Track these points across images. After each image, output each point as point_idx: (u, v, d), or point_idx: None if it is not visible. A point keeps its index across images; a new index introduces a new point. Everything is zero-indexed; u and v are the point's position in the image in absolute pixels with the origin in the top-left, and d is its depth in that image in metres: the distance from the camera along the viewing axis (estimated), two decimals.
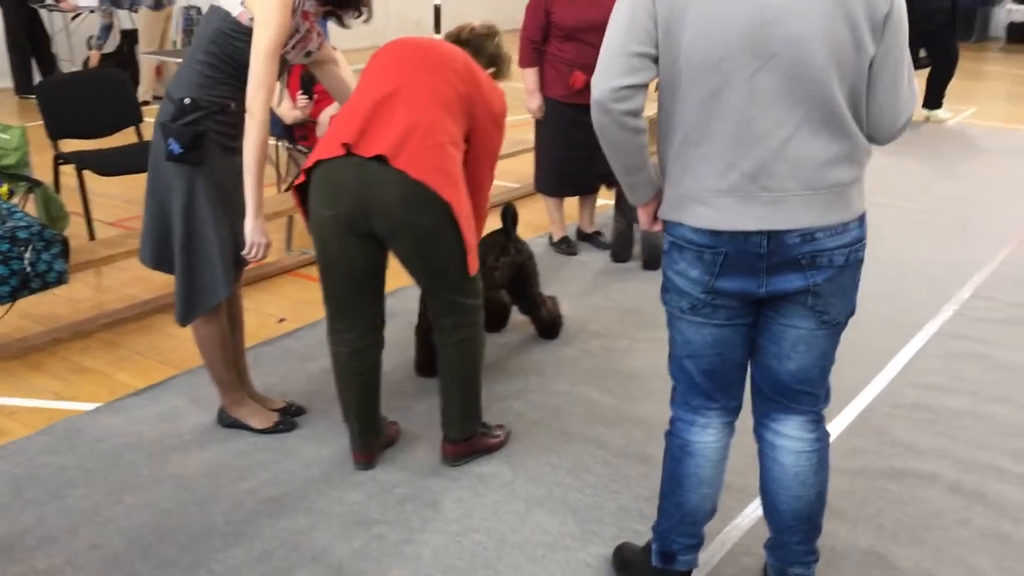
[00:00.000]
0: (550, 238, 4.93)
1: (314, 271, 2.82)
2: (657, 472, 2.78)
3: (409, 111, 2.53)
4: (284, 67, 2.87)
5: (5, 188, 3.91)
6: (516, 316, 3.87)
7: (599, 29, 4.40)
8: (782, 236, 1.82)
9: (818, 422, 2.05)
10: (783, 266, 1.85)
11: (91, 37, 8.47)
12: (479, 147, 2.73)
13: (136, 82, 8.40)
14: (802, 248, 1.83)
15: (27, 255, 3.44)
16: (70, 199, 4.38)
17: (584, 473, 2.84)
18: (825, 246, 1.83)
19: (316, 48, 2.97)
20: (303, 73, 4.68)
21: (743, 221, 1.82)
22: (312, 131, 4.90)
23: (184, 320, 2.90)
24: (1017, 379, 3.43)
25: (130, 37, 8.84)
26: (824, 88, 1.74)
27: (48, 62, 8.99)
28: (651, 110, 2.01)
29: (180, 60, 7.98)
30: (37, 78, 8.59)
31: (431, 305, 2.79)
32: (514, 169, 6.02)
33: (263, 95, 2.68)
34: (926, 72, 7.93)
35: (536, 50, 4.51)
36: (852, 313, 1.96)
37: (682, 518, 2.12)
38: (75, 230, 4.19)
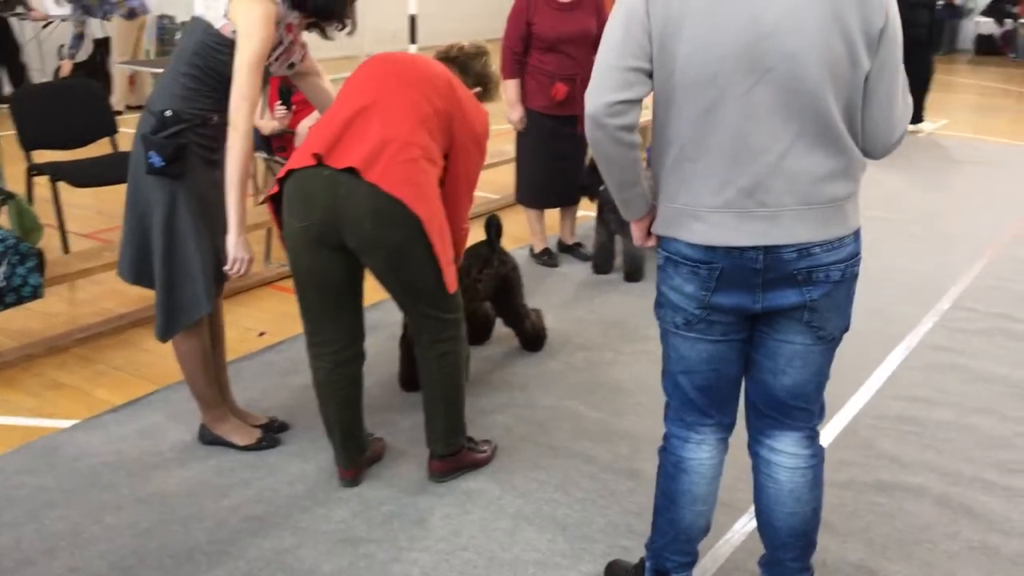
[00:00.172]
0: (531, 250, 4.92)
1: (291, 283, 2.78)
2: (645, 487, 2.79)
3: (384, 125, 2.50)
4: (267, 79, 2.84)
5: None
6: (500, 329, 3.84)
7: (580, 41, 4.50)
8: (778, 251, 1.81)
9: (813, 438, 2.04)
10: (779, 281, 1.84)
11: (62, 46, 8.36)
12: (457, 166, 2.70)
13: (108, 92, 8.32)
14: (798, 263, 1.82)
15: (2, 269, 3.37)
16: (43, 211, 4.30)
17: (572, 489, 2.81)
18: (821, 261, 1.82)
19: (299, 60, 2.94)
20: (281, 84, 4.64)
21: (739, 236, 1.81)
22: (290, 142, 4.86)
23: (165, 335, 2.85)
24: (997, 390, 3.45)
25: (102, 46, 8.74)
26: (820, 102, 1.73)
27: (18, 72, 8.86)
28: (644, 115, 1.99)
29: (154, 70, 7.92)
30: (7, 88, 8.49)
31: (409, 320, 2.76)
32: (495, 180, 6.00)
33: (246, 108, 2.64)
34: None
35: (517, 61, 4.50)
36: (847, 328, 1.95)
37: (676, 535, 2.10)
38: (48, 242, 4.11)
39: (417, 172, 2.50)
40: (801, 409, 2.00)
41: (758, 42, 1.70)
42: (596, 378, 3.56)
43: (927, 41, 7.97)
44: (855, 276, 1.90)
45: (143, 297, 3.85)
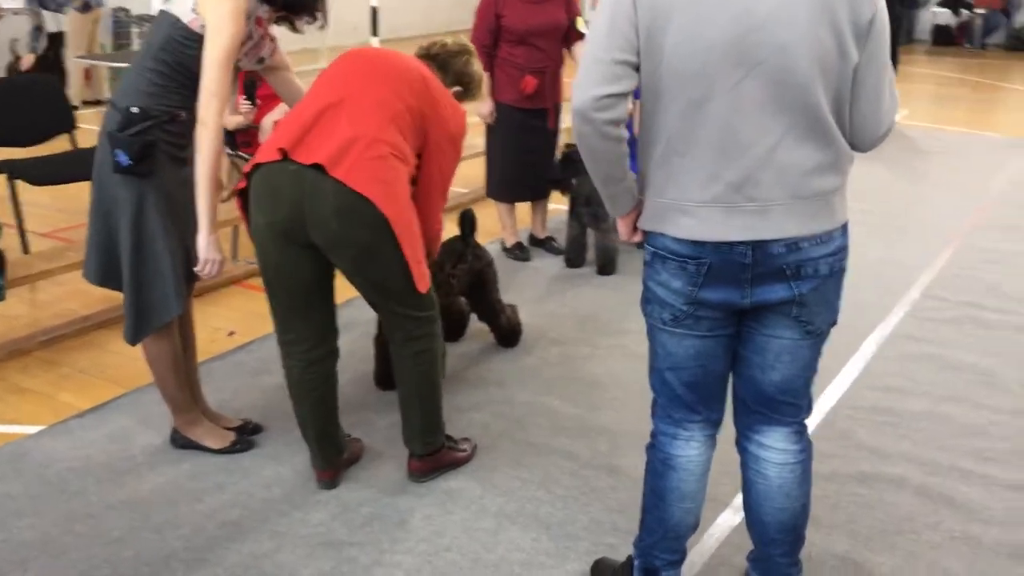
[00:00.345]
0: (502, 244, 4.88)
1: (260, 281, 2.73)
2: (626, 484, 2.78)
3: (353, 122, 2.45)
4: (236, 75, 2.77)
5: None
6: (474, 324, 3.81)
7: (550, 33, 4.46)
8: (767, 246, 1.79)
9: (802, 433, 2.03)
10: (768, 276, 1.82)
11: (15, 40, 8.16)
12: (431, 164, 2.64)
13: (64, 87, 8.13)
14: (787, 258, 1.80)
15: None
16: (1, 210, 4.19)
17: (553, 486, 2.79)
18: (810, 255, 1.81)
19: (269, 54, 2.88)
20: (246, 78, 4.55)
21: (728, 231, 1.79)
22: (255, 137, 4.78)
23: (134, 338, 2.77)
24: (968, 379, 3.48)
25: (57, 40, 8.54)
26: (809, 95, 1.72)
27: None
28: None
29: (111, 64, 7.73)
30: None
31: (382, 319, 2.71)
32: (465, 174, 5.92)
33: (216, 105, 2.58)
34: None
35: (487, 55, 4.45)
36: (835, 323, 1.95)
37: (665, 533, 2.08)
38: (7, 242, 4.00)
39: (386, 170, 2.45)
40: (790, 404, 1.99)
41: (748, 34, 1.68)
42: (572, 373, 3.53)
43: (894, 32, 8.05)
44: (843, 270, 1.89)
45: (107, 297, 3.76)
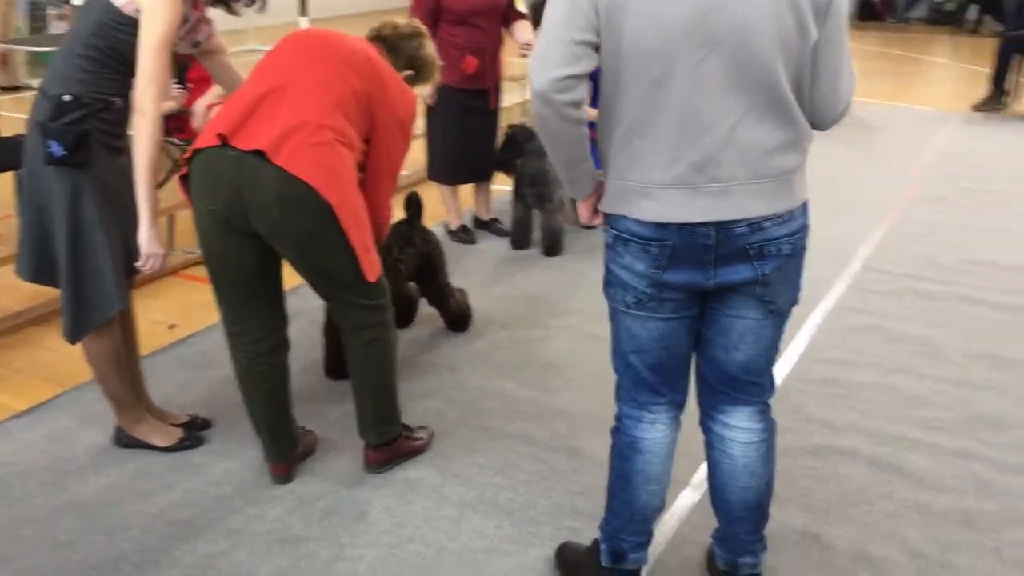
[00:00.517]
0: (446, 227, 4.83)
1: (202, 271, 2.65)
2: (587, 466, 2.77)
3: (295, 107, 2.37)
4: (174, 60, 2.67)
5: None
6: (423, 309, 3.76)
7: (490, 13, 4.41)
8: (730, 227, 1.78)
9: (765, 412, 2.04)
10: (731, 257, 1.81)
11: None
12: (379, 149, 2.57)
13: None
14: (750, 238, 1.80)
15: None
16: None
17: (513, 471, 2.77)
18: (772, 235, 1.81)
19: (205, 38, 2.77)
20: (177, 61, 4.41)
21: (690, 213, 1.78)
22: (187, 122, 4.62)
23: (74, 337, 2.67)
24: (911, 350, 3.55)
25: None
26: (770, 74, 1.71)
27: None
28: None
29: (28, 48, 7.43)
30: None
31: (332, 309, 2.65)
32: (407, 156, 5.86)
33: (153, 92, 2.48)
34: None
35: None
36: (796, 302, 1.95)
37: (632, 516, 2.08)
38: None
39: (330, 156, 2.37)
40: (753, 384, 1.99)
41: (708, 13, 1.66)
42: (524, 356, 3.51)
43: None
44: (804, 249, 1.89)
45: (40, 292, 3.62)
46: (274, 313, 2.60)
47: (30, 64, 7.98)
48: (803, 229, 1.87)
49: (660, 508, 2.11)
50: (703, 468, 2.71)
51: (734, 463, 2.03)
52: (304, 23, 8.31)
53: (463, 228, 4.82)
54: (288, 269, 2.56)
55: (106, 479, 2.74)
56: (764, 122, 1.74)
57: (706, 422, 2.07)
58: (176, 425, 2.98)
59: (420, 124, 4.78)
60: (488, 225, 4.93)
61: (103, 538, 2.48)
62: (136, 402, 2.89)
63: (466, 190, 4.89)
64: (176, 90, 4.53)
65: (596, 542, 2.22)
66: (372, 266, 2.50)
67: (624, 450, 2.05)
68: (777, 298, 1.89)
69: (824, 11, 1.73)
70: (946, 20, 14.63)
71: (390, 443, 2.76)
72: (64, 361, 3.41)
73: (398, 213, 3.32)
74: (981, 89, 8.34)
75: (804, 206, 1.87)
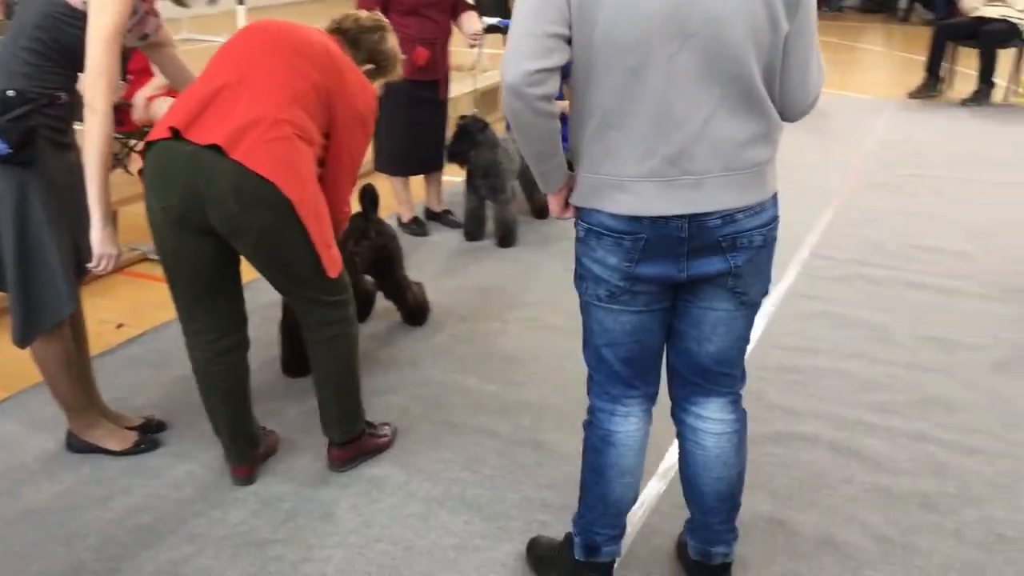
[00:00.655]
0: (398, 219, 4.78)
1: (148, 268, 2.58)
2: (553, 459, 2.77)
3: (253, 102, 2.31)
4: (122, 53, 2.59)
5: None
6: (380, 304, 3.72)
7: (441, 3, 4.37)
8: (703, 219, 1.79)
9: (737, 402, 2.05)
10: (704, 249, 1.82)
11: None
12: (339, 145, 2.51)
13: None
14: (723, 230, 1.80)
15: None
16: None
17: (479, 466, 2.75)
18: (744, 227, 1.82)
19: (153, 31, 2.70)
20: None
21: (664, 206, 1.77)
22: (127, 115, 4.51)
23: (24, 341, 2.58)
24: (863, 334, 3.62)
25: None
26: (742, 67, 1.71)
27: None
28: None
29: None
30: None
31: (293, 306, 2.60)
32: None
33: (104, 86, 2.40)
34: None
35: None
36: (767, 292, 1.97)
37: (606, 509, 2.08)
38: None
39: (289, 151, 2.32)
40: (725, 375, 2.00)
41: (681, 6, 1.66)
42: (485, 349, 3.50)
43: None
44: (775, 240, 1.91)
45: None
46: (232, 311, 2.54)
47: None
48: (774, 220, 1.88)
49: (634, 500, 2.12)
50: (669, 457, 2.74)
51: (707, 454, 2.04)
52: (241, 12, 8.15)
53: (415, 220, 4.78)
54: (243, 264, 2.51)
55: (60, 485, 2.66)
56: (736, 115, 1.74)
57: (678, 414, 2.08)
58: (130, 428, 2.90)
59: None
60: (440, 217, 4.90)
61: (61, 547, 2.41)
62: (88, 405, 2.81)
63: (416, 182, 4.85)
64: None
65: (569, 536, 2.22)
66: (333, 262, 2.46)
67: (597, 443, 2.05)
68: (749, 289, 1.90)
69: (795, 4, 1.73)
70: (878, 8, 14.92)
71: (354, 440, 2.73)
72: (7, 364, 3.30)
73: (354, 206, 3.27)
74: (915, 76, 8.52)
75: (775, 197, 1.88)
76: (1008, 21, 7.71)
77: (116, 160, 4.88)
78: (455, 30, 4.54)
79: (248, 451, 2.67)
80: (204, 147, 2.24)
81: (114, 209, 4.25)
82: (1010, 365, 3.35)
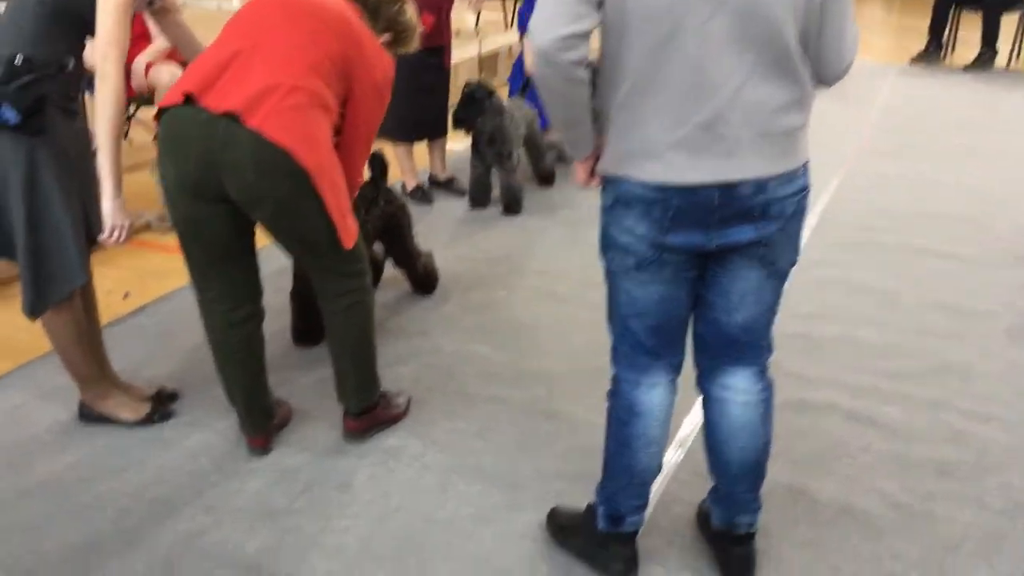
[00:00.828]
0: (403, 187, 4.74)
1: (152, 237, 2.55)
2: (566, 429, 2.76)
3: (270, 69, 2.25)
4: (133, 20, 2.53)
5: None
6: (387, 272, 3.68)
7: None
8: (735, 187, 1.76)
9: (764, 372, 2.03)
10: (734, 218, 1.79)
11: None
12: (355, 114, 2.47)
13: None
14: (754, 199, 1.77)
15: None
16: None
17: (494, 436, 2.74)
18: (776, 195, 1.79)
19: None
20: None
21: (695, 174, 1.74)
22: (127, 81, 4.45)
23: (35, 312, 2.54)
24: (874, 301, 3.60)
25: None
26: (777, 31, 1.67)
27: None
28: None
29: None
30: None
31: (310, 275, 2.57)
32: None
33: (116, 54, 2.35)
34: None
35: None
36: (795, 262, 1.94)
37: (631, 480, 2.06)
38: None
39: (307, 120, 2.27)
40: (753, 345, 1.98)
41: None
42: (495, 318, 3.47)
43: None
44: (805, 208, 1.88)
45: None
46: (248, 280, 2.51)
47: None
48: (805, 189, 1.85)
49: (659, 470, 2.10)
50: (687, 425, 2.74)
51: (733, 424, 2.02)
52: None
53: (419, 188, 4.74)
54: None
55: (73, 457, 2.64)
56: (770, 80, 1.71)
57: (704, 384, 2.06)
58: (142, 399, 2.88)
59: None
60: (445, 184, 4.86)
61: (78, 520, 2.39)
62: (100, 376, 2.79)
63: (419, 150, 4.80)
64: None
65: (591, 506, 2.21)
66: (349, 232, 2.43)
67: (622, 414, 2.03)
68: (778, 259, 1.88)
69: None
70: None
71: (369, 411, 2.71)
72: (13, 334, 3.27)
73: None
74: (917, 42, 8.46)
75: (806, 165, 1.85)
76: None
77: None
78: None
79: (263, 422, 2.65)
80: (219, 114, 2.19)
81: None
82: None
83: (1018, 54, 8.06)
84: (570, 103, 1.77)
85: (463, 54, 6.34)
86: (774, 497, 2.44)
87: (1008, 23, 7.90)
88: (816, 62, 1.78)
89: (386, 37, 2.64)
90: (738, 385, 2.01)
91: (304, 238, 2.40)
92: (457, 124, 4.42)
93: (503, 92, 5.61)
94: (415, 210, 4.51)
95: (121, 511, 2.43)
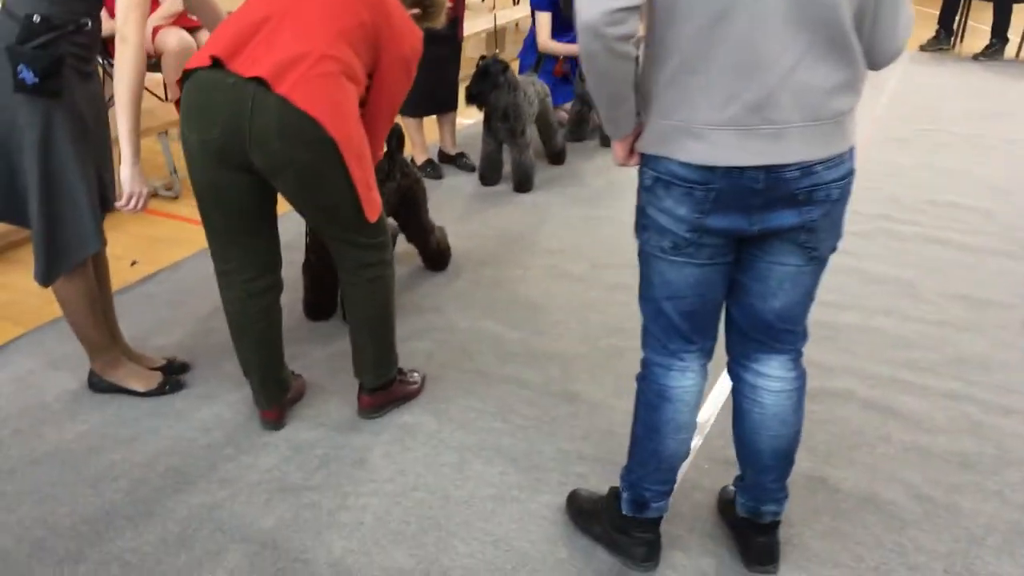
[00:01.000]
0: (411, 162, 4.67)
1: (159, 205, 2.50)
2: (585, 411, 2.73)
3: (299, 35, 2.19)
4: None
5: None
6: (399, 247, 3.64)
7: None
8: (780, 171, 1.72)
9: (798, 360, 2.00)
10: (779, 202, 1.75)
11: None
12: (381, 86, 2.41)
13: None
14: (800, 182, 1.73)
15: None
16: None
17: (512, 416, 2.71)
18: (823, 179, 1.75)
19: None
20: None
21: (741, 156, 1.70)
22: None
23: (47, 279, 2.49)
24: (892, 290, 3.57)
25: None
26: (833, 10, 1.62)
27: None
28: None
29: None
30: None
31: (331, 247, 2.52)
32: None
33: (136, 16, 2.29)
34: None
35: None
36: (836, 248, 1.90)
37: (658, 465, 2.03)
38: None
39: (335, 88, 2.21)
40: (788, 331, 1.95)
41: None
42: (508, 296, 3.44)
43: None
44: (850, 194, 1.84)
45: None
46: (268, 250, 2.46)
47: None
48: (851, 173, 1.81)
49: (686, 456, 2.07)
50: (705, 411, 2.70)
51: (765, 412, 1.99)
52: None
53: (429, 163, 4.68)
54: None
55: (84, 426, 2.60)
56: (824, 61, 1.66)
57: (736, 370, 2.03)
58: (153, 368, 2.84)
59: None
60: (455, 160, 4.80)
61: (90, 489, 2.36)
62: (111, 344, 2.74)
63: (429, 124, 4.74)
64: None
65: (614, 490, 2.18)
66: (373, 205, 2.38)
67: (653, 399, 2.00)
68: (820, 244, 1.84)
69: None
70: None
71: (385, 387, 2.68)
72: (22, 300, 3.22)
73: None
74: (927, 29, 8.40)
75: (852, 150, 1.81)
76: None
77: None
78: None
79: (278, 395, 2.61)
80: (248, 79, 2.14)
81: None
82: None
83: None
84: (616, 80, 1.72)
85: (473, 27, 6.26)
86: (795, 486, 2.42)
87: (1018, 12, 7.84)
88: (869, 44, 1.73)
89: (415, 11, 2.58)
90: (772, 372, 1.98)
91: (327, 209, 2.35)
92: (471, 99, 4.36)
93: (514, 66, 5.55)
94: (426, 185, 4.47)
95: (135, 481, 2.39)
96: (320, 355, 2.99)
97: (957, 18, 8.16)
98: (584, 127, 5.28)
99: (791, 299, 1.90)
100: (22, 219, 2.49)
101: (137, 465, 2.45)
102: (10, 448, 2.50)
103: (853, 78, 1.72)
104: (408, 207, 3.40)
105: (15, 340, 3.02)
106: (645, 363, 2.03)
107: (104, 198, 2.58)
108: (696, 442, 2.60)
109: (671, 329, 1.95)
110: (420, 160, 4.67)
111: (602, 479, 2.44)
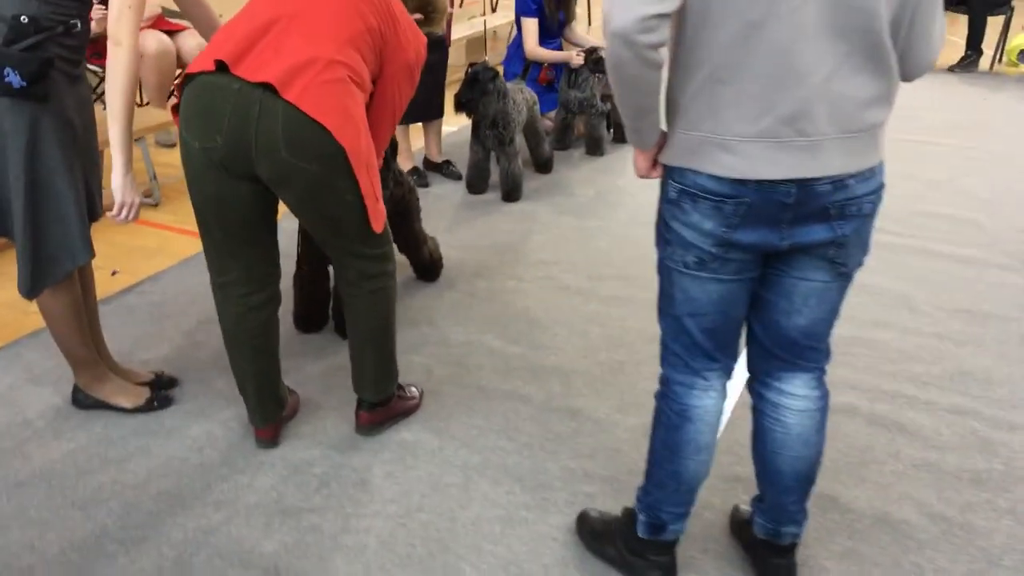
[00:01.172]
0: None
1: (141, 214, 2.41)
2: (589, 428, 2.67)
3: (308, 40, 2.11)
4: None
5: None
6: None
7: None
8: (813, 184, 1.66)
9: (821, 379, 1.95)
10: (810, 216, 1.70)
11: None
12: (384, 93, 2.34)
13: None
14: (833, 196, 1.68)
15: None
16: None
17: (515, 434, 2.64)
18: (855, 193, 1.70)
19: None
20: None
21: (772, 169, 1.65)
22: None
23: (32, 292, 2.39)
24: (887, 303, 3.55)
25: None
26: (871, 20, 1.58)
27: None
28: None
29: None
30: None
31: (333, 257, 2.44)
32: None
33: (131, 19, 2.20)
34: None
35: None
36: (863, 264, 1.85)
37: (678, 487, 1.97)
38: None
39: (343, 95, 2.13)
40: (813, 349, 1.90)
41: None
42: (504, 309, 3.37)
43: None
44: (879, 208, 1.79)
45: None
46: (267, 263, 2.37)
47: None
48: (881, 187, 1.76)
49: (706, 477, 2.01)
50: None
51: (787, 432, 1.94)
52: None
53: (415, 171, 4.61)
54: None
55: (71, 444, 2.50)
56: (860, 72, 1.62)
57: (758, 388, 1.97)
58: (140, 384, 2.73)
59: None
60: (440, 167, 4.73)
61: (79, 513, 2.25)
62: (97, 359, 2.64)
63: (414, 131, 4.66)
64: (98, 12, 4.14)
65: (628, 511, 2.11)
66: (378, 216, 2.30)
67: (673, 419, 1.94)
68: (849, 260, 1.79)
69: None
70: None
71: (385, 402, 2.59)
72: (2, 312, 3.09)
73: None
74: None
75: (882, 163, 1.76)
76: None
77: (97, 96, 4.62)
78: None
79: (275, 412, 2.52)
80: (254, 85, 2.05)
81: (102, 149, 4.02)
82: None
83: (1001, 56, 8.10)
84: (643, 90, 1.66)
85: (461, 32, 6.20)
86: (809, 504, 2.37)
87: (992, 25, 7.92)
88: (904, 54, 1.69)
89: (417, 17, 2.52)
90: (795, 391, 1.92)
91: (333, 220, 2.26)
92: (460, 106, 4.29)
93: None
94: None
95: (126, 504, 2.29)
96: (314, 370, 2.90)
97: None
98: (569, 135, 5.23)
99: (816, 316, 1.85)
100: (6, 230, 2.39)
101: (128, 487, 2.35)
102: None
103: (888, 90, 1.67)
104: (402, 216, 3.32)
105: None
106: (665, 381, 1.97)
107: (92, 207, 2.49)
108: None
109: (694, 347, 1.89)
110: (406, 168, 4.60)
111: (611, 498, 2.37)
